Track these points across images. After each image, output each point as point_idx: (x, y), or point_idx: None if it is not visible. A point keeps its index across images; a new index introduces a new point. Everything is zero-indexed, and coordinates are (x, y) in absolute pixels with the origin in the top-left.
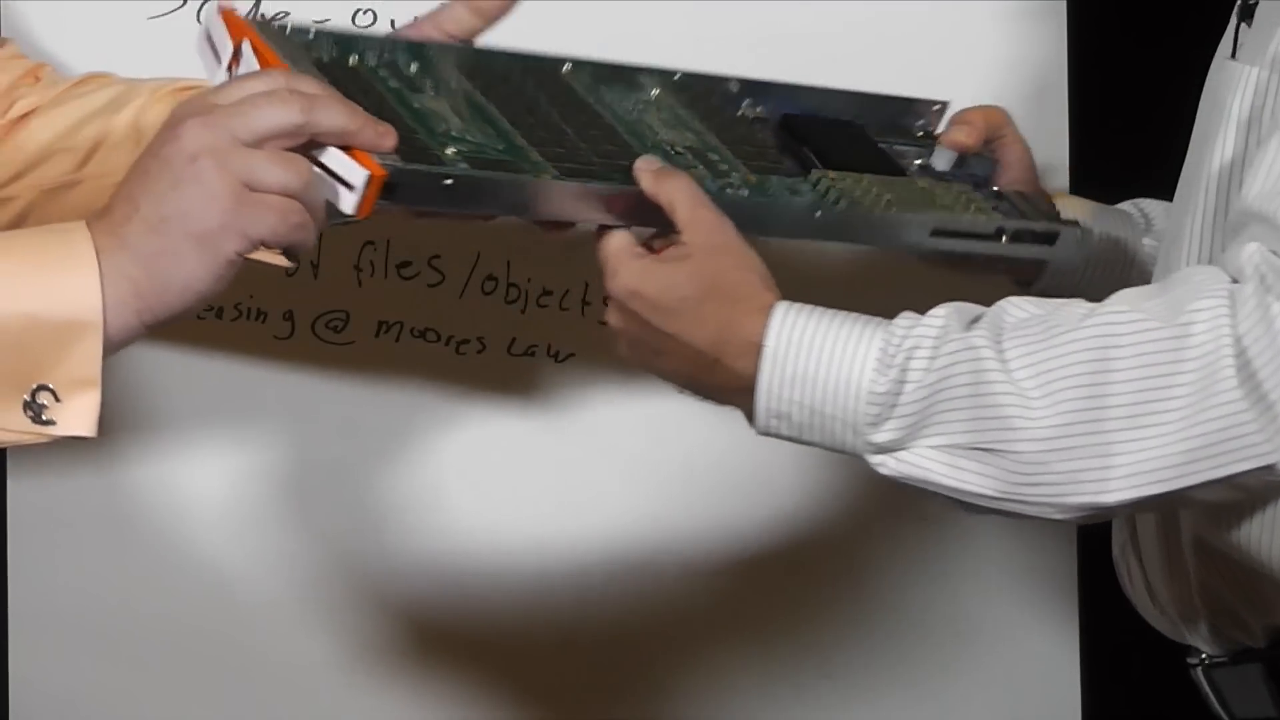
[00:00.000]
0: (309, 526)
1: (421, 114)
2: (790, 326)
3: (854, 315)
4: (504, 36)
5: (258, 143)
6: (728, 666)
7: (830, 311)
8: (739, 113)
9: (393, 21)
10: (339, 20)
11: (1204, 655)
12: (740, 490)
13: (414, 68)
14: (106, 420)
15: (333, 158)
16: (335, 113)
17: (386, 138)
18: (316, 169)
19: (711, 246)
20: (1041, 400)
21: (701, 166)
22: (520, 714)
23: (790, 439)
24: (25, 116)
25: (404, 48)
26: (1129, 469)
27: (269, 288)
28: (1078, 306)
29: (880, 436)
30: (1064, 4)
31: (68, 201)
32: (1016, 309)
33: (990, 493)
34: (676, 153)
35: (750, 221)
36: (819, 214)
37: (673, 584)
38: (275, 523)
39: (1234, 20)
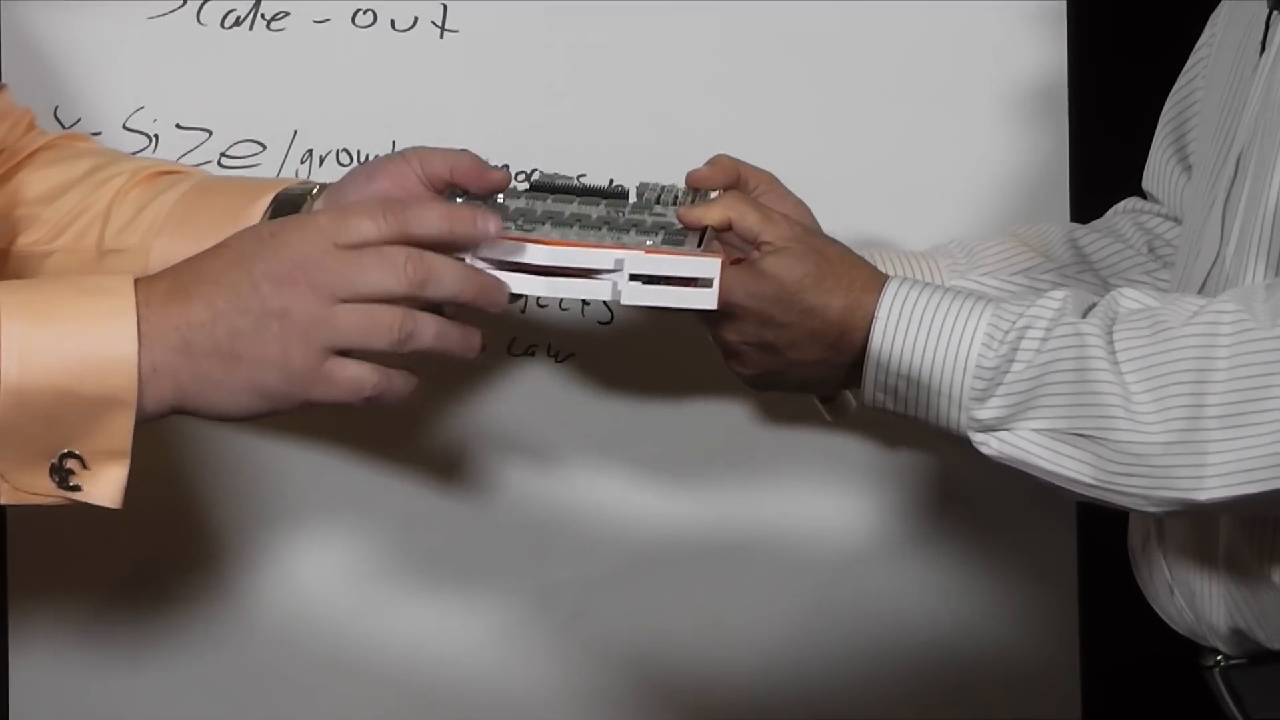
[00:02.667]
0: (309, 526)
1: None
2: (901, 300)
3: (964, 291)
4: (519, 34)
5: (357, 300)
6: (726, 665)
7: (941, 287)
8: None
9: (393, 21)
10: (338, 20)
11: (1220, 657)
12: (740, 490)
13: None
14: None
15: (669, 264)
16: (446, 281)
17: (496, 306)
18: (651, 285)
19: (800, 233)
20: (1144, 395)
21: (648, 220)
22: (520, 714)
23: (895, 415)
24: (14, 167)
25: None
26: (1225, 468)
27: None
28: (1188, 302)
29: (984, 413)
30: (1064, 9)
31: (40, 272)
32: (1130, 300)
33: (1086, 479)
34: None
35: None
36: None
37: (673, 583)
38: (275, 522)
39: (1265, 11)
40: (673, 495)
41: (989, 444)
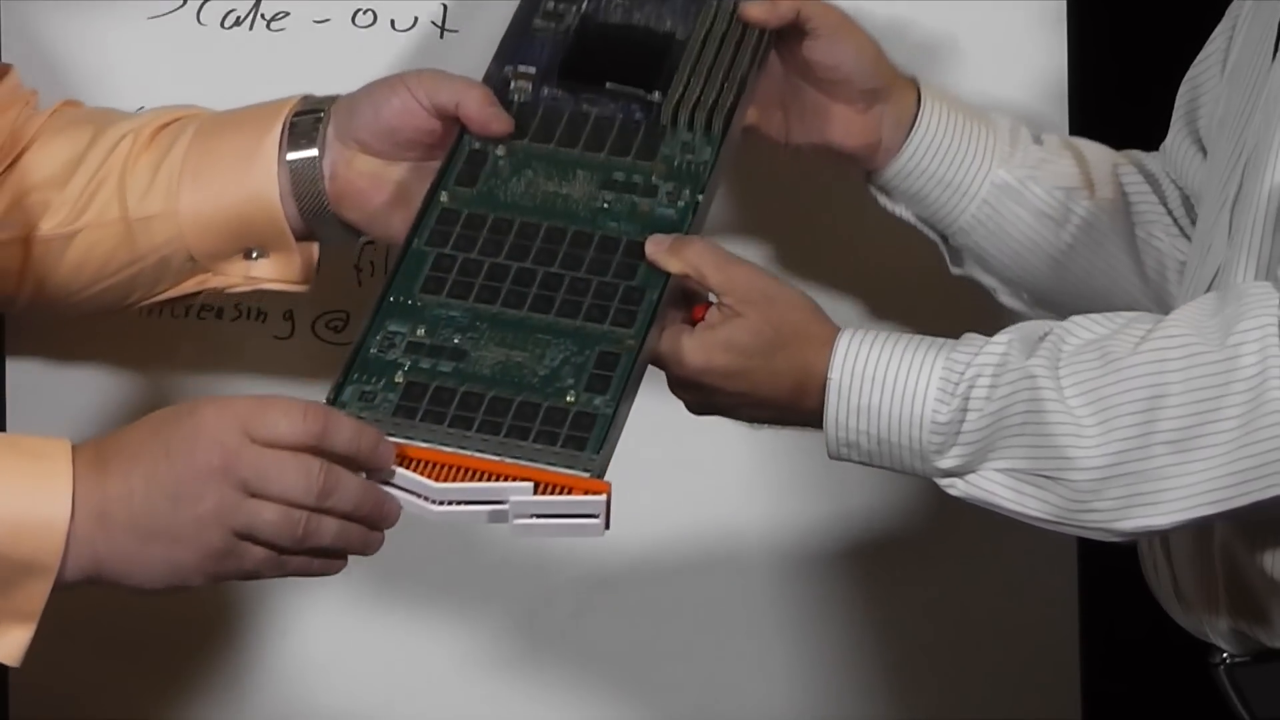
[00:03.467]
0: None
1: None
2: (853, 358)
3: (914, 339)
4: None
5: (265, 497)
6: (726, 664)
7: (892, 337)
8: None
9: (393, 21)
10: (339, 20)
11: (1225, 655)
12: (740, 491)
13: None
14: (108, 419)
15: (553, 505)
16: (346, 499)
17: (386, 521)
18: (534, 519)
19: (758, 298)
20: (1095, 429)
21: (637, 196)
22: (519, 713)
23: (862, 464)
24: (22, 152)
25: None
26: (1180, 493)
27: None
28: (1136, 328)
29: (946, 463)
30: (1064, 10)
31: (68, 252)
32: (1081, 329)
33: (1048, 517)
34: (607, 206)
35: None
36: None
37: (673, 582)
38: None
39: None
40: (671, 496)
41: (955, 486)
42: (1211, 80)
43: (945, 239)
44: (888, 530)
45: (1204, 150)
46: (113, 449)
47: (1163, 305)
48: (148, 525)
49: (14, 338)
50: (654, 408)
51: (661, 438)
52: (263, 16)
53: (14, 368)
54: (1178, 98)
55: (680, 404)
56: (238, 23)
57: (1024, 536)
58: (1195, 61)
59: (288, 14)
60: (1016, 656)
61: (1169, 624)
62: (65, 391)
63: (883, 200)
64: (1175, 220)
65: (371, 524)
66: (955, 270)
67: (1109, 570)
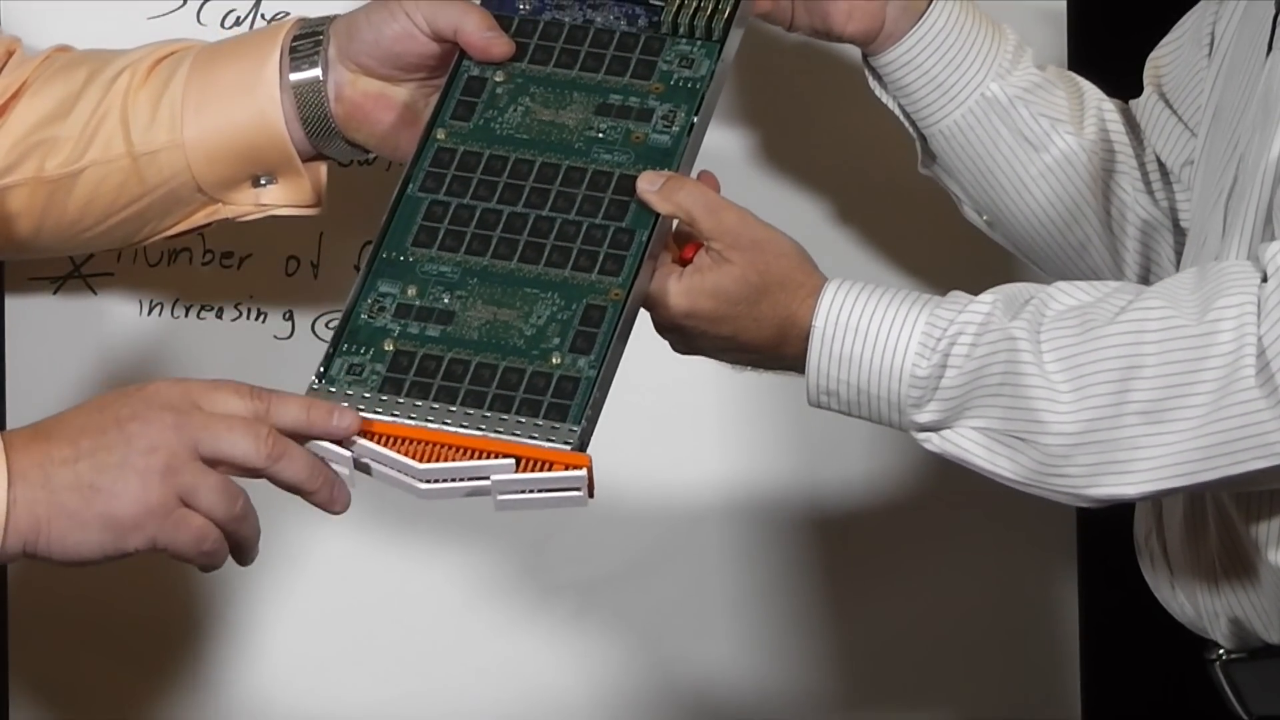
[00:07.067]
0: (307, 524)
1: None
2: (838, 307)
3: (900, 293)
4: None
5: (215, 462)
6: (725, 663)
7: (878, 289)
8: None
9: None
10: None
11: (1221, 651)
12: (739, 488)
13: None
14: None
15: (534, 481)
16: (296, 466)
17: (337, 504)
18: (520, 495)
19: (746, 245)
20: (1070, 395)
21: (631, 122)
22: (519, 709)
23: (840, 413)
24: (12, 98)
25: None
26: (1149, 464)
27: (269, 288)
28: (1118, 298)
29: (923, 417)
30: (1064, 10)
31: (76, 190)
32: (1064, 295)
33: (1017, 478)
34: (601, 135)
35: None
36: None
37: (671, 579)
38: (274, 521)
39: (1273, 11)
40: (672, 494)
41: (931, 441)
42: (1175, 65)
43: (922, 139)
44: (888, 531)
45: (1179, 121)
46: (52, 424)
47: (1117, 256)
48: (91, 480)
49: (14, 335)
50: (654, 405)
51: (662, 436)
52: (263, 16)
53: (14, 367)
54: (1144, 76)
55: (680, 406)
56: (238, 23)
57: (1024, 536)
58: (1161, 44)
59: (287, 14)
60: (1016, 656)
61: (1168, 623)
62: (65, 391)
63: (872, 84)
64: (1144, 175)
65: (321, 504)
66: (923, 170)
67: (1109, 570)
